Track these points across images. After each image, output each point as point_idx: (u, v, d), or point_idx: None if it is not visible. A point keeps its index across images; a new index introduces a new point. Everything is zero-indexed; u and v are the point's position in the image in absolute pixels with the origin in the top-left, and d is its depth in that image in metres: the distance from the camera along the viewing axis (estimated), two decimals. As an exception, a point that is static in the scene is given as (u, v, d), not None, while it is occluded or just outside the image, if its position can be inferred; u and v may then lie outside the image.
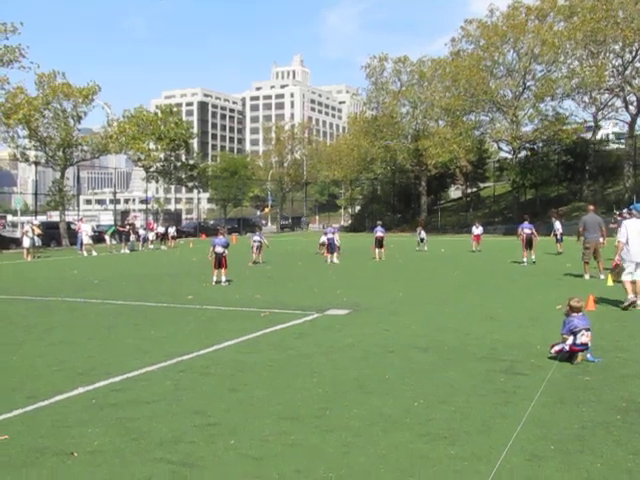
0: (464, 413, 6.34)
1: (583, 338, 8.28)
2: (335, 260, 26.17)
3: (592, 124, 59.32)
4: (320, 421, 6.17)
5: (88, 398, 7.04)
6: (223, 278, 18.83)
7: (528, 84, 58.75)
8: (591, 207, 20.34)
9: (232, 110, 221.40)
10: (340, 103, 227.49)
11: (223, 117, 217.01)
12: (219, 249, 18.91)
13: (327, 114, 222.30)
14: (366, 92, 68.92)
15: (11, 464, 5.19)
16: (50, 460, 5.26)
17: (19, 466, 5.15)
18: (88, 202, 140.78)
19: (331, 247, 26.49)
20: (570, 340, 8.31)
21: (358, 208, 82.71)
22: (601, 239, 18.97)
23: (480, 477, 4.78)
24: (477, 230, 33.16)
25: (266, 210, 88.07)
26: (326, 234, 27.15)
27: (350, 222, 79.00)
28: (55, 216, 54.04)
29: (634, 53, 53.16)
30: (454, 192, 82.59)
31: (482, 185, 75.20)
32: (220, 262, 18.86)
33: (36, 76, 45.39)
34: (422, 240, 33.99)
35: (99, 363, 8.76)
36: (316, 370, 8.25)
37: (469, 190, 74.47)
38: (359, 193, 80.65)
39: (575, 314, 8.48)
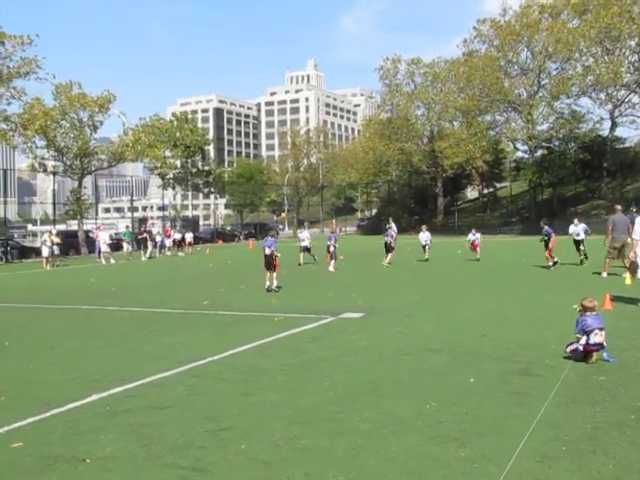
0: (476, 415, 6.31)
1: (597, 338, 8.20)
2: (331, 269, 24.08)
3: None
4: (331, 425, 6.16)
5: (102, 405, 7.10)
6: (275, 283, 18.07)
7: (543, 83, 58.43)
8: (618, 207, 20.32)
9: (247, 116, 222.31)
10: (355, 106, 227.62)
11: (238, 123, 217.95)
12: (267, 250, 18.23)
13: (342, 117, 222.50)
14: (380, 94, 68.93)
15: (24, 471, 5.24)
16: (62, 467, 5.30)
17: (31, 473, 5.20)
18: (107, 210, 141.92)
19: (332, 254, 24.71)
20: (583, 340, 8.24)
21: (375, 211, 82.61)
22: (628, 239, 18.94)
23: (489, 479, 4.75)
24: (474, 237, 28.08)
25: (282, 215, 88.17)
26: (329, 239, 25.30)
27: (367, 224, 78.89)
28: (74, 225, 54.54)
29: (650, 49, 52.68)
30: (471, 193, 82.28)
31: (498, 185, 74.83)
32: (269, 264, 18.08)
33: (53, 87, 45.94)
34: (424, 247, 28.43)
35: (114, 370, 8.82)
36: (329, 374, 8.24)
37: (486, 190, 74.13)
38: (375, 196, 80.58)
39: (588, 313, 8.41)
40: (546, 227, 22.90)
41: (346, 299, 15.76)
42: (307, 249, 27.38)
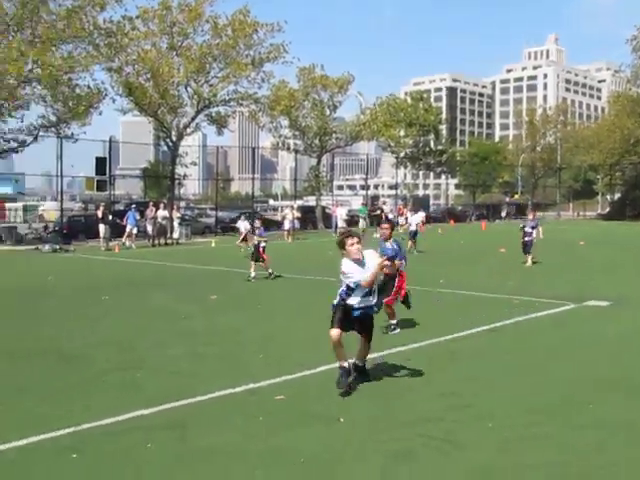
0: None
1: None
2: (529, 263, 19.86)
3: None
4: (574, 416, 5.93)
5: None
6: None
7: None
8: None
9: (481, 94, 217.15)
10: (599, 82, 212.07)
11: (472, 102, 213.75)
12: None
13: (584, 94, 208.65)
14: (631, 68, 63.39)
15: (288, 423, 5.77)
16: (320, 422, 5.73)
17: (295, 426, 5.70)
18: (340, 187, 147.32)
19: (526, 246, 20.21)
20: None
21: (618, 195, 76.61)
22: None
23: None
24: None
25: (516, 196, 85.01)
26: (524, 227, 20.52)
27: (608, 210, 73.46)
28: (311, 200, 57.44)
29: None
30: None
31: None
32: None
33: (297, 69, 48.60)
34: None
35: (349, 342, 9.15)
36: (572, 363, 7.93)
37: None
38: (620, 178, 74.58)
39: None
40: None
41: (587, 285, 14.91)
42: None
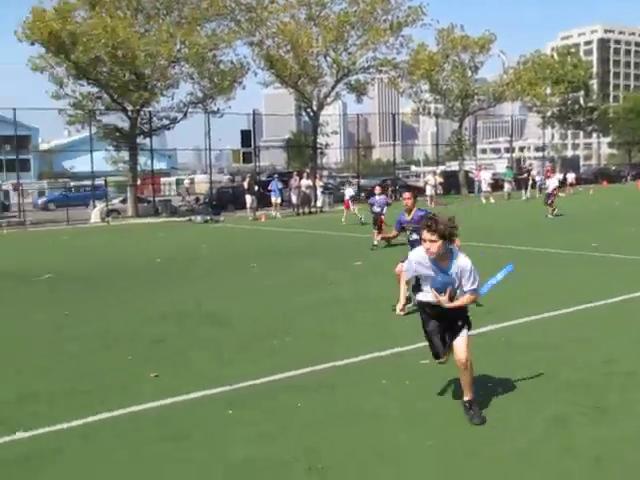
0: None
1: None
2: None
3: None
4: None
5: (497, 336, 7.37)
6: None
7: None
8: None
9: (638, 44, 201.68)
10: None
11: (627, 53, 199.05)
12: None
13: None
14: None
15: (435, 387, 5.80)
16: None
17: (442, 390, 5.74)
18: (483, 151, 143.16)
19: None
20: None
21: None
22: None
23: None
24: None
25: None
26: None
27: None
28: (454, 165, 56.35)
29: None
30: None
31: None
32: None
33: (436, 31, 47.42)
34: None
35: (506, 304, 8.84)
36: None
37: None
38: None
39: None
40: None
41: None
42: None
